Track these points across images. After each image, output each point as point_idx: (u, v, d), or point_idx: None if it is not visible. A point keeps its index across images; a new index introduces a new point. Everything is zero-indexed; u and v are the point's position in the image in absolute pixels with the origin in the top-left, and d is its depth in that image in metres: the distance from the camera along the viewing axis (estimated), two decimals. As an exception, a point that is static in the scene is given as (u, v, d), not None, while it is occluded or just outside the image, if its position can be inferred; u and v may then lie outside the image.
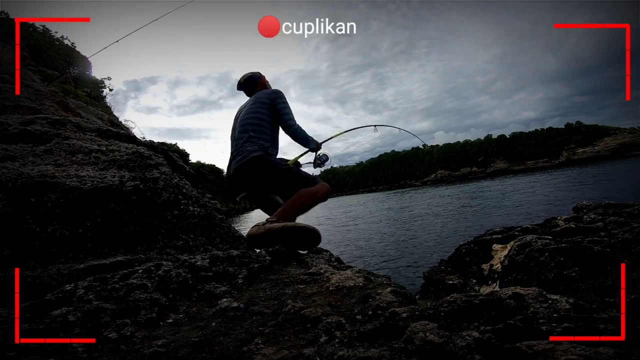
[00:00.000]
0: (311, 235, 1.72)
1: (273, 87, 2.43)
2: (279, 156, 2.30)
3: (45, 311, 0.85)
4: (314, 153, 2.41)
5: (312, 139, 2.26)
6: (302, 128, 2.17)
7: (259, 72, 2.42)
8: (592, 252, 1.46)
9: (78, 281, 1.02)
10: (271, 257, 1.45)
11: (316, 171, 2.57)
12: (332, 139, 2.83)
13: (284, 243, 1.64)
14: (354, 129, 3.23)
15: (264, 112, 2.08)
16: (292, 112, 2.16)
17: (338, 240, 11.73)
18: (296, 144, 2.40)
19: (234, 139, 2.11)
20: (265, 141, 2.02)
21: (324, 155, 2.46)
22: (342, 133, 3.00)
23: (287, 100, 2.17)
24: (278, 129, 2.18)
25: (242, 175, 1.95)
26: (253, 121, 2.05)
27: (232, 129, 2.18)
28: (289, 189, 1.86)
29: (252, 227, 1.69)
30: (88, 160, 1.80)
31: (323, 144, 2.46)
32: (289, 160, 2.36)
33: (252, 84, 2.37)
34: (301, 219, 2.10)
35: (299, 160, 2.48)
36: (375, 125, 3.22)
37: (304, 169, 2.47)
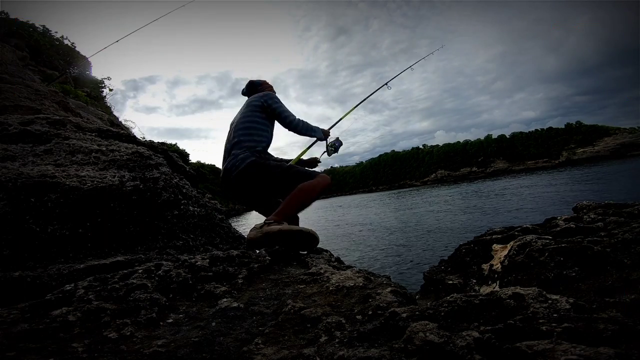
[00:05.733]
0: (308, 239, 1.68)
1: (274, 87, 2.42)
2: (279, 156, 2.27)
3: (45, 311, 0.85)
4: (324, 142, 2.28)
5: (318, 128, 2.19)
6: (304, 120, 2.13)
7: (262, 80, 2.42)
8: (592, 252, 1.46)
9: (78, 281, 1.02)
10: (271, 257, 1.45)
11: (330, 158, 2.43)
12: (343, 119, 2.64)
13: (282, 245, 1.63)
14: (368, 97, 3.02)
15: (256, 114, 2.06)
16: (288, 109, 2.13)
17: (338, 240, 11.73)
18: (298, 143, 2.35)
19: (227, 145, 2.06)
20: (258, 142, 1.99)
21: (336, 140, 2.31)
22: (354, 108, 2.79)
23: (280, 101, 2.13)
24: (272, 128, 2.14)
25: (236, 185, 1.90)
26: (246, 124, 2.02)
27: (227, 136, 2.13)
28: (286, 189, 1.79)
29: (251, 231, 1.66)
30: (88, 160, 1.80)
31: (332, 129, 2.34)
32: (289, 160, 2.26)
33: (252, 90, 2.36)
34: (302, 219, 2.09)
35: (306, 155, 2.34)
36: (387, 83, 3.09)
37: (319, 163, 2.35)
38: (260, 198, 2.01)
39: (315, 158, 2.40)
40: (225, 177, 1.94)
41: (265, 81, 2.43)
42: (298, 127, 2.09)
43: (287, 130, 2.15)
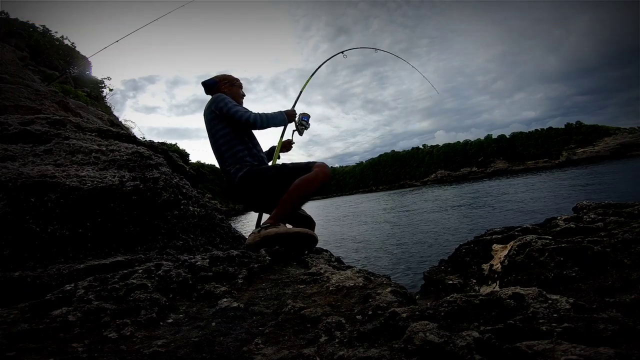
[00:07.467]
0: (306, 239, 1.68)
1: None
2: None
3: (45, 311, 0.85)
4: (293, 123, 2.18)
5: (277, 113, 2.04)
6: (260, 112, 1.97)
7: (218, 76, 2.19)
8: (592, 252, 1.46)
9: (78, 281, 1.02)
10: (271, 257, 1.45)
11: (304, 137, 2.31)
12: (301, 94, 2.55)
13: (282, 246, 1.63)
14: (323, 63, 2.89)
15: (218, 127, 1.93)
16: (238, 105, 1.98)
17: (338, 240, 11.73)
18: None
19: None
20: (241, 151, 1.92)
21: (303, 115, 2.19)
22: (309, 80, 2.68)
23: (228, 100, 1.97)
24: (244, 131, 2.01)
25: (237, 194, 1.92)
26: (217, 141, 1.94)
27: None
28: (286, 187, 1.77)
29: (249, 236, 1.68)
30: (88, 160, 1.80)
31: (295, 108, 2.28)
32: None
33: (210, 91, 2.16)
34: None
35: (283, 142, 2.26)
36: (343, 51, 3.00)
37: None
38: (266, 202, 1.95)
39: (289, 140, 2.31)
40: (228, 192, 1.96)
41: (221, 77, 2.19)
42: (256, 122, 1.90)
43: (248, 129, 1.99)
